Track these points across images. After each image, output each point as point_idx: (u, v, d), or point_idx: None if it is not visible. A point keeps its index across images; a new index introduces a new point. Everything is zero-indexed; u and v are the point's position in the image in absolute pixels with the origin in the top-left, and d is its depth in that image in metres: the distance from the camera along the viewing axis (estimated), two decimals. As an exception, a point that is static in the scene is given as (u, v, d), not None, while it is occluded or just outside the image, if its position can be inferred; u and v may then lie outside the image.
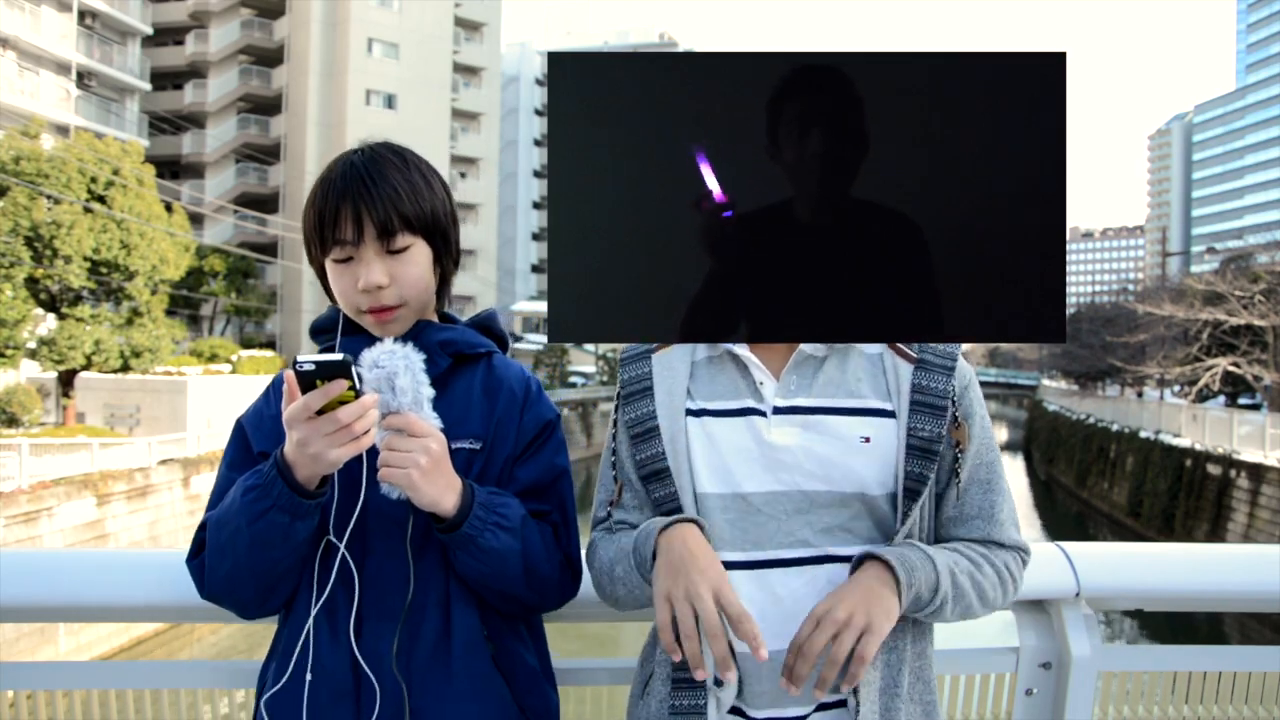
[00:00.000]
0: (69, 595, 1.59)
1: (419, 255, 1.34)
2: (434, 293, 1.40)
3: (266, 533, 1.21)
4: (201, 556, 1.30)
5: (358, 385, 1.14)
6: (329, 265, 1.34)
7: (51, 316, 22.29)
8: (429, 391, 1.23)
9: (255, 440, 1.36)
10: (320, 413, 1.14)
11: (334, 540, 1.27)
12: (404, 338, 1.31)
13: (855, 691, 1.19)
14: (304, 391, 1.13)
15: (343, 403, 1.14)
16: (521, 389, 1.41)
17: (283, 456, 1.20)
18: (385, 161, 1.33)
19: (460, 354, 1.38)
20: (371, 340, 1.33)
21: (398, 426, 1.20)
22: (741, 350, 1.28)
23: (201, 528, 1.31)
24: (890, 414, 1.24)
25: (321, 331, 1.44)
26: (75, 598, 1.60)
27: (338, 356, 1.11)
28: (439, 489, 1.22)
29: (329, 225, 1.30)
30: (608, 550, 1.31)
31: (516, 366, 1.45)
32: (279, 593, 1.30)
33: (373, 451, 1.22)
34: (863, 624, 1.10)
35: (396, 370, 1.19)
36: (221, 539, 1.25)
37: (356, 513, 1.27)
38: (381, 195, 1.29)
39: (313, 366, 1.11)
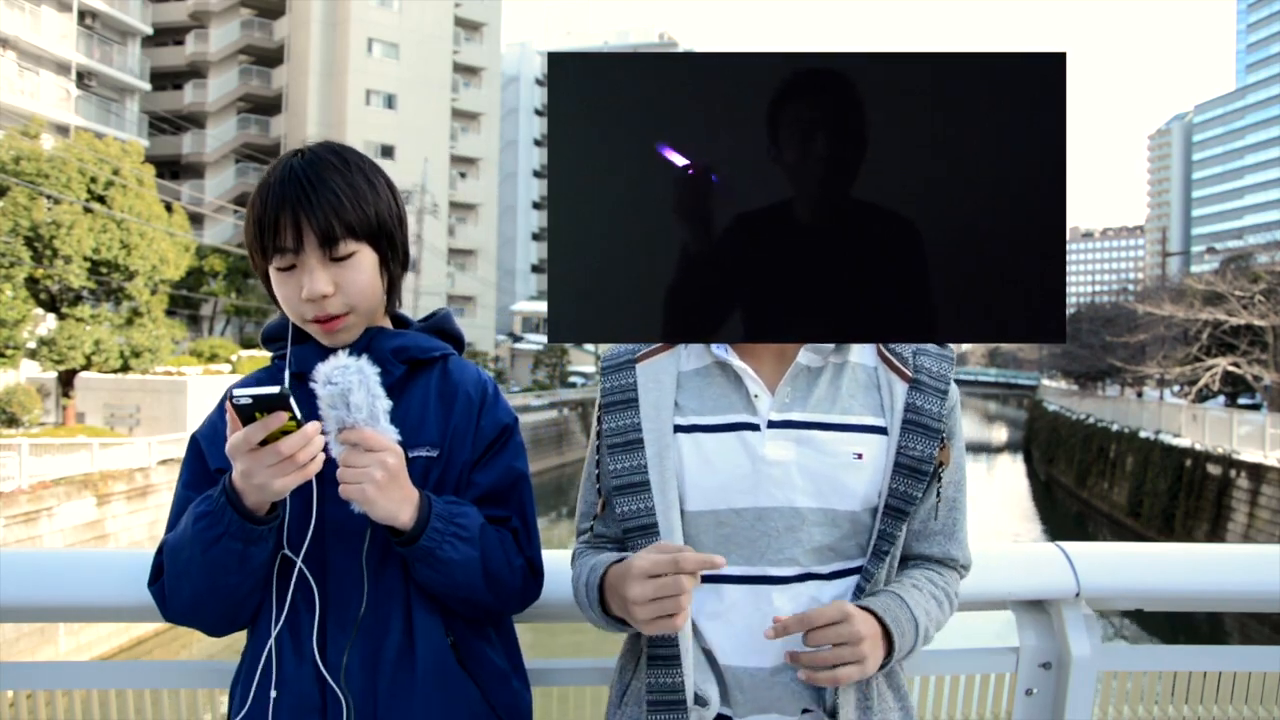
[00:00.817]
0: (69, 595, 1.59)
1: (364, 261, 1.30)
2: (383, 297, 1.37)
3: (221, 559, 1.20)
4: (162, 581, 1.29)
5: (298, 414, 1.13)
6: (272, 273, 1.31)
7: (51, 316, 22.28)
8: (385, 404, 1.21)
9: (211, 457, 1.34)
10: (264, 443, 1.13)
11: (290, 554, 1.26)
12: (356, 347, 1.29)
13: (835, 712, 1.21)
14: (245, 423, 1.12)
15: (285, 432, 1.13)
16: (478, 393, 1.38)
17: (231, 484, 1.18)
18: (325, 165, 1.28)
19: (414, 360, 1.36)
20: (322, 348, 1.32)
21: (352, 441, 1.18)
22: (735, 361, 1.26)
23: (159, 552, 1.30)
24: (882, 430, 1.25)
25: (273, 339, 1.41)
26: (75, 598, 1.60)
27: (274, 389, 1.10)
28: (395, 502, 1.21)
29: (269, 233, 1.26)
30: (577, 572, 1.32)
31: (472, 369, 1.42)
32: (243, 611, 1.29)
33: (330, 467, 1.21)
34: (862, 657, 1.14)
35: (350, 386, 1.17)
36: (178, 566, 1.25)
37: (310, 530, 1.26)
38: (322, 202, 1.25)
39: (250, 400, 1.10)
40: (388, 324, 1.42)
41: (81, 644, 13.41)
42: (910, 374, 1.26)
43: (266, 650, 1.26)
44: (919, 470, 1.23)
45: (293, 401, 1.11)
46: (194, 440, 1.38)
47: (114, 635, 14.06)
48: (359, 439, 1.18)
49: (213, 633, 1.32)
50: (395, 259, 1.36)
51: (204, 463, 1.35)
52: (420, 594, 1.30)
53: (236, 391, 1.11)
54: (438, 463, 1.33)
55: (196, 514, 1.21)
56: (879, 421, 1.25)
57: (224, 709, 1.65)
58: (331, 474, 1.22)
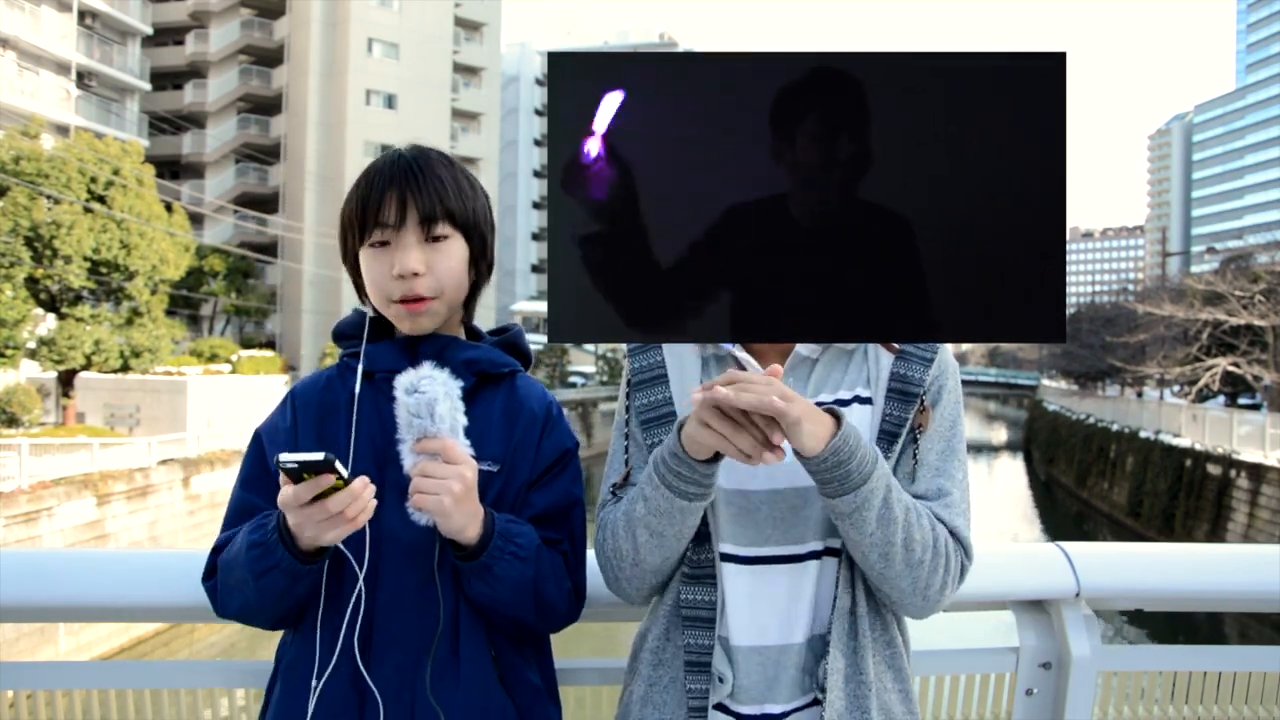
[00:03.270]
0: (69, 595, 1.59)
1: (456, 249, 1.34)
2: (466, 293, 1.39)
3: (270, 587, 1.24)
4: (214, 580, 1.32)
5: (344, 474, 1.14)
6: (364, 253, 1.34)
7: (51, 316, 22.30)
8: (464, 420, 1.23)
9: (272, 456, 1.35)
10: (316, 497, 1.15)
11: (347, 556, 1.27)
12: (430, 355, 1.31)
13: (824, 686, 1.22)
14: (294, 481, 1.14)
15: (336, 487, 1.14)
16: (543, 412, 1.40)
17: (284, 523, 1.20)
18: (433, 158, 1.36)
19: (484, 374, 1.38)
20: (398, 349, 1.35)
21: (434, 450, 1.20)
22: (739, 353, 1.28)
23: (215, 551, 1.33)
24: (869, 400, 1.28)
25: (345, 337, 1.42)
26: (75, 598, 1.59)
27: (319, 456, 1.11)
28: (466, 516, 1.22)
29: (372, 210, 1.31)
30: (618, 508, 1.30)
31: (539, 389, 1.43)
32: (292, 616, 1.32)
33: (394, 473, 1.23)
34: (790, 415, 1.09)
35: (436, 397, 1.19)
36: (230, 580, 1.28)
37: (368, 542, 1.26)
38: (428, 184, 1.31)
39: (296, 465, 1.12)
40: (461, 333, 1.44)
41: (81, 644, 13.41)
42: (898, 346, 1.30)
43: (312, 660, 1.27)
44: (896, 435, 1.26)
45: (339, 464, 1.12)
46: (257, 435, 1.40)
47: (114, 635, 14.06)
48: (441, 448, 1.20)
49: (261, 628, 1.35)
50: (483, 261, 1.40)
51: (264, 461, 1.37)
52: (468, 607, 1.30)
53: (282, 456, 1.11)
54: (498, 478, 1.33)
55: (250, 540, 1.24)
56: (865, 393, 1.29)
57: (224, 709, 1.66)
58: (393, 481, 1.24)
